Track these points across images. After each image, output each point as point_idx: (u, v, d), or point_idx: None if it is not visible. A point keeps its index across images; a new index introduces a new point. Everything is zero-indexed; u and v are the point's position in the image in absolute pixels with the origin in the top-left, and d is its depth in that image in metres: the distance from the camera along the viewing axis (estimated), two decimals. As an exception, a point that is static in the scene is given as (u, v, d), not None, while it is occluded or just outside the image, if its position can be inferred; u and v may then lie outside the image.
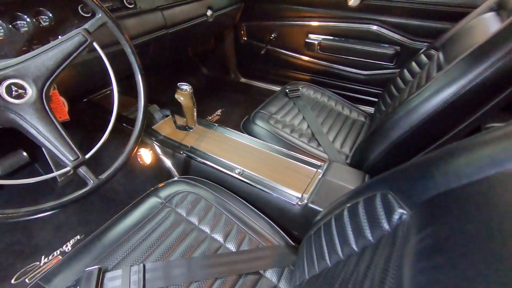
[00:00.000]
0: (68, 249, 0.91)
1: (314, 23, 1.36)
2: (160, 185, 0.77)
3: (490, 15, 0.79)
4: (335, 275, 0.43)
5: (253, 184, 0.79)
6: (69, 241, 0.92)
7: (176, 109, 0.92)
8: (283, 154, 0.90)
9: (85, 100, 1.19)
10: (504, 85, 0.60)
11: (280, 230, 0.71)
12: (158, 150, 0.93)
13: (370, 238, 0.40)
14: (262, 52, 1.52)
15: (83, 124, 1.15)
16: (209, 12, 1.18)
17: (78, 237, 0.94)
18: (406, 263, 0.28)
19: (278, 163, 0.86)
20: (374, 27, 1.24)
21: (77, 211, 1.01)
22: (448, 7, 1.05)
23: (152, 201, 0.71)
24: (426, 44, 1.05)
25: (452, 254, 0.24)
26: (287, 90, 1.20)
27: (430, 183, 0.33)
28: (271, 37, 1.47)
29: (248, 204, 0.75)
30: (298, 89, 1.22)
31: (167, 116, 1.03)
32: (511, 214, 0.24)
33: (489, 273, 0.22)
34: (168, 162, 0.92)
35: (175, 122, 0.95)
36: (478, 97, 0.62)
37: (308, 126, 1.06)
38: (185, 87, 0.83)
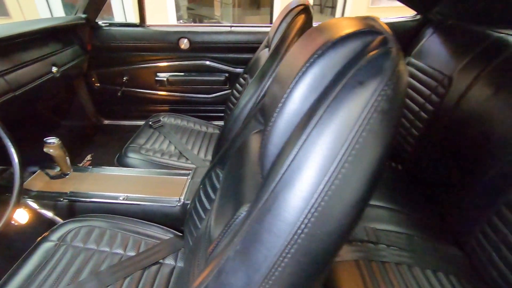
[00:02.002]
0: None
1: (160, 64, 1.63)
2: (46, 233, 0.84)
3: (266, 50, 1.25)
4: (203, 230, 0.68)
5: (138, 203, 0.96)
6: None
7: (46, 163, 0.98)
8: (159, 173, 1.10)
9: None
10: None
11: (170, 229, 0.91)
12: (35, 206, 0.96)
13: (213, 197, 0.68)
14: (119, 94, 1.67)
15: None
16: (54, 69, 1.26)
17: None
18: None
19: (156, 181, 1.06)
20: (207, 62, 1.62)
21: None
22: (248, 43, 1.53)
23: (44, 246, 0.79)
24: (242, 70, 1.48)
25: (227, 177, 0.54)
26: (150, 123, 1.41)
27: (228, 153, 0.64)
28: (124, 80, 1.64)
29: (139, 220, 0.92)
30: (160, 120, 1.45)
31: (34, 172, 1.06)
32: (250, 159, 0.55)
33: (235, 177, 0.52)
34: (49, 213, 0.97)
35: (48, 174, 1.01)
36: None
37: (175, 147, 1.31)
38: (52, 140, 0.92)
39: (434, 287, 0.70)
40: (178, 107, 1.74)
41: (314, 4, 6.24)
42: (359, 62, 0.27)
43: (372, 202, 0.95)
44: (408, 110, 1.19)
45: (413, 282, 0.70)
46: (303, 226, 0.26)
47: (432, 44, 1.23)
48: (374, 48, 0.27)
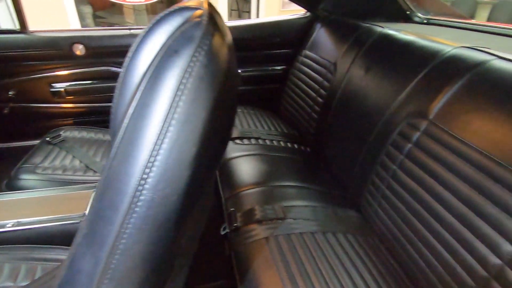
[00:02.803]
0: None
1: (54, 73, 1.46)
2: None
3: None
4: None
5: (34, 226, 0.85)
6: None
7: None
8: (60, 191, 0.99)
9: None
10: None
11: (74, 248, 0.83)
12: None
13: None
14: (6, 111, 1.45)
15: None
16: None
17: None
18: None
19: (57, 200, 0.95)
20: (112, 68, 1.52)
21: None
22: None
23: None
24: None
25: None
26: (48, 139, 1.26)
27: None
28: (10, 95, 1.43)
29: (35, 245, 0.81)
30: (60, 135, 1.31)
31: None
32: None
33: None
34: None
35: None
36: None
37: (80, 161, 1.19)
38: None
39: (333, 246, 0.78)
40: (83, 119, 1.60)
41: (232, 9, 6.40)
42: (175, 33, 0.29)
43: (281, 183, 1.02)
44: (307, 97, 1.32)
45: (316, 245, 0.77)
46: (138, 193, 0.27)
47: (320, 37, 1.38)
48: (190, 21, 0.30)
